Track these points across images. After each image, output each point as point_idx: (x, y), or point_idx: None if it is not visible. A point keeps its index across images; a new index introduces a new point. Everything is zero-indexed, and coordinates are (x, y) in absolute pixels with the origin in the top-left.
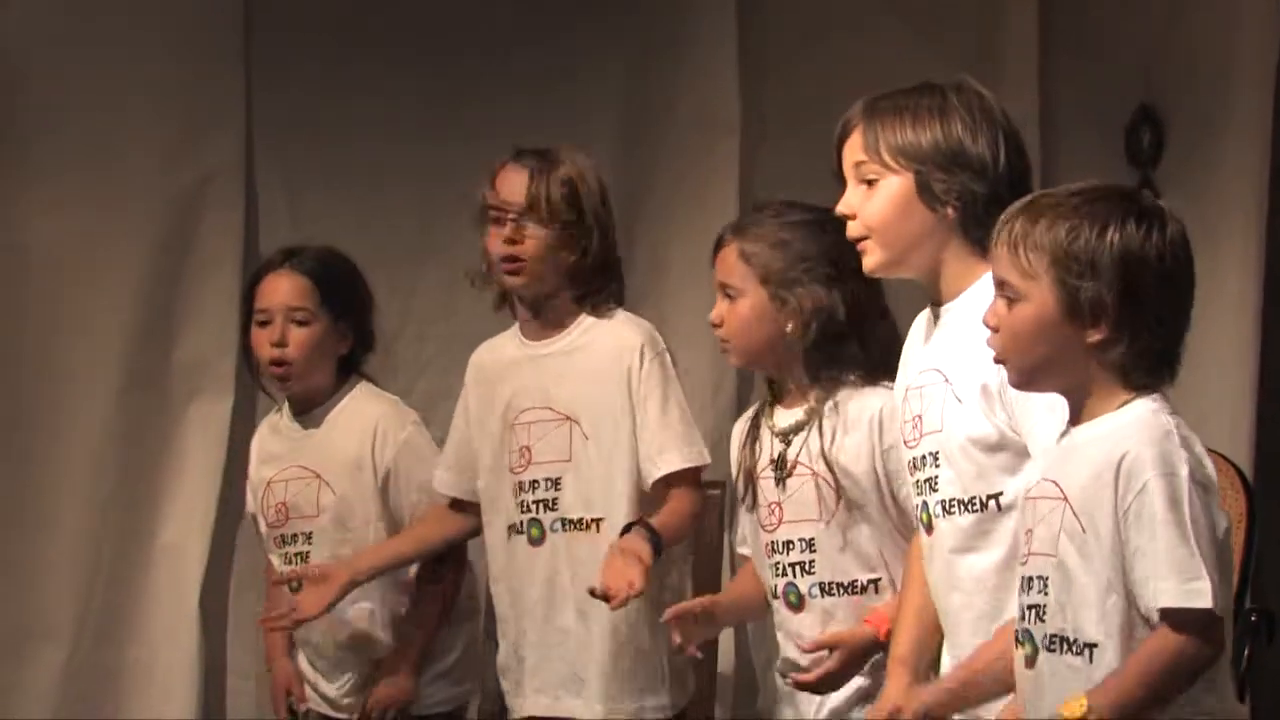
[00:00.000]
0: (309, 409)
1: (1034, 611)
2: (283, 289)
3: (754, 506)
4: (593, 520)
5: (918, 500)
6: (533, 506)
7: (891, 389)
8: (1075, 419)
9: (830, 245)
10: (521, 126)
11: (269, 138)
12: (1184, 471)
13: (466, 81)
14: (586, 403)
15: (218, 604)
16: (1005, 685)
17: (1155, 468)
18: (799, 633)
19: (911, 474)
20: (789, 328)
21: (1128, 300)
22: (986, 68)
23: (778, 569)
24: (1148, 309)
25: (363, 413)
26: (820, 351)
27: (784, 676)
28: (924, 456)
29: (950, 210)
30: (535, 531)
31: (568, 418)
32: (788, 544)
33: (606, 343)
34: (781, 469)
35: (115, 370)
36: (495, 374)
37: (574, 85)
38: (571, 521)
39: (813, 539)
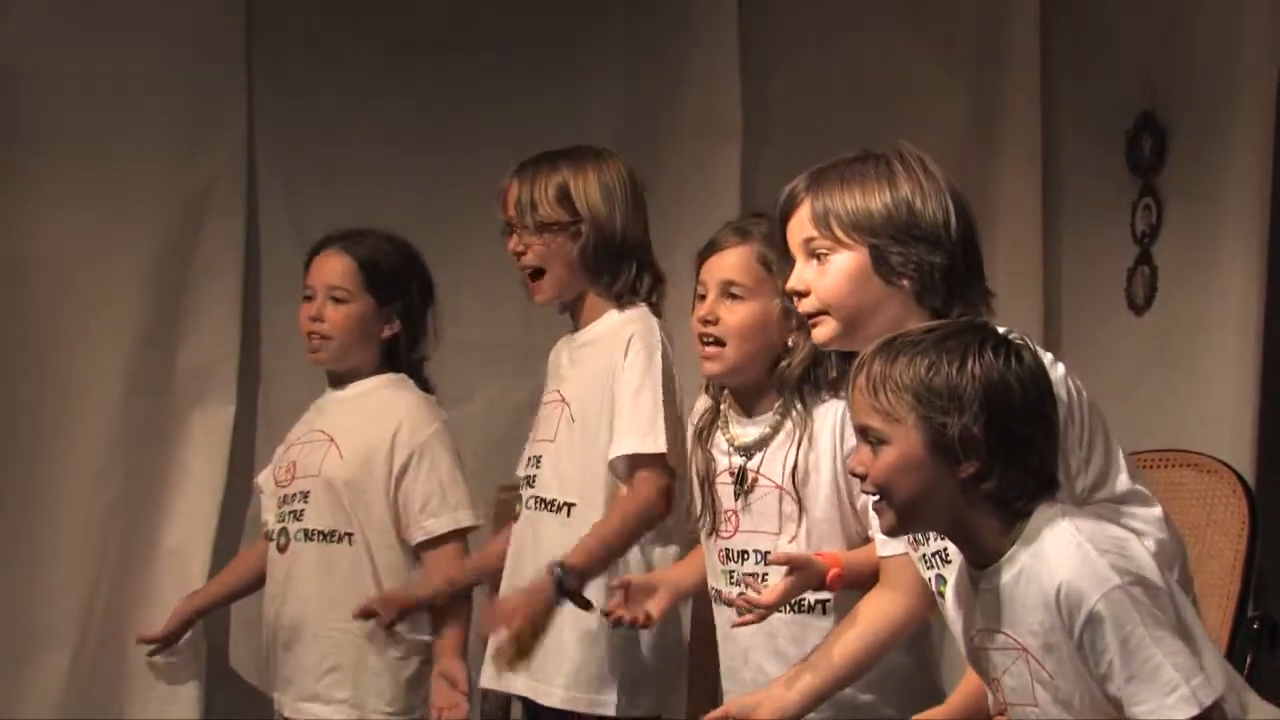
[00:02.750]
0: (345, 384)
1: None
2: (326, 267)
3: (710, 510)
4: (564, 504)
5: (929, 575)
6: (523, 483)
7: None
8: (972, 559)
9: None
10: (523, 130)
11: (270, 143)
12: (1116, 580)
13: (468, 86)
14: (579, 387)
15: (221, 610)
16: None
17: (1092, 592)
18: (747, 645)
19: (915, 549)
20: (792, 340)
21: (994, 431)
22: (988, 74)
23: (731, 577)
24: (1015, 438)
25: (395, 399)
26: (804, 369)
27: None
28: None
29: (906, 282)
30: (518, 507)
31: (563, 400)
32: (743, 553)
33: (610, 334)
34: (743, 482)
35: (118, 376)
36: (551, 362)
37: (575, 89)
38: (544, 501)
39: (768, 552)
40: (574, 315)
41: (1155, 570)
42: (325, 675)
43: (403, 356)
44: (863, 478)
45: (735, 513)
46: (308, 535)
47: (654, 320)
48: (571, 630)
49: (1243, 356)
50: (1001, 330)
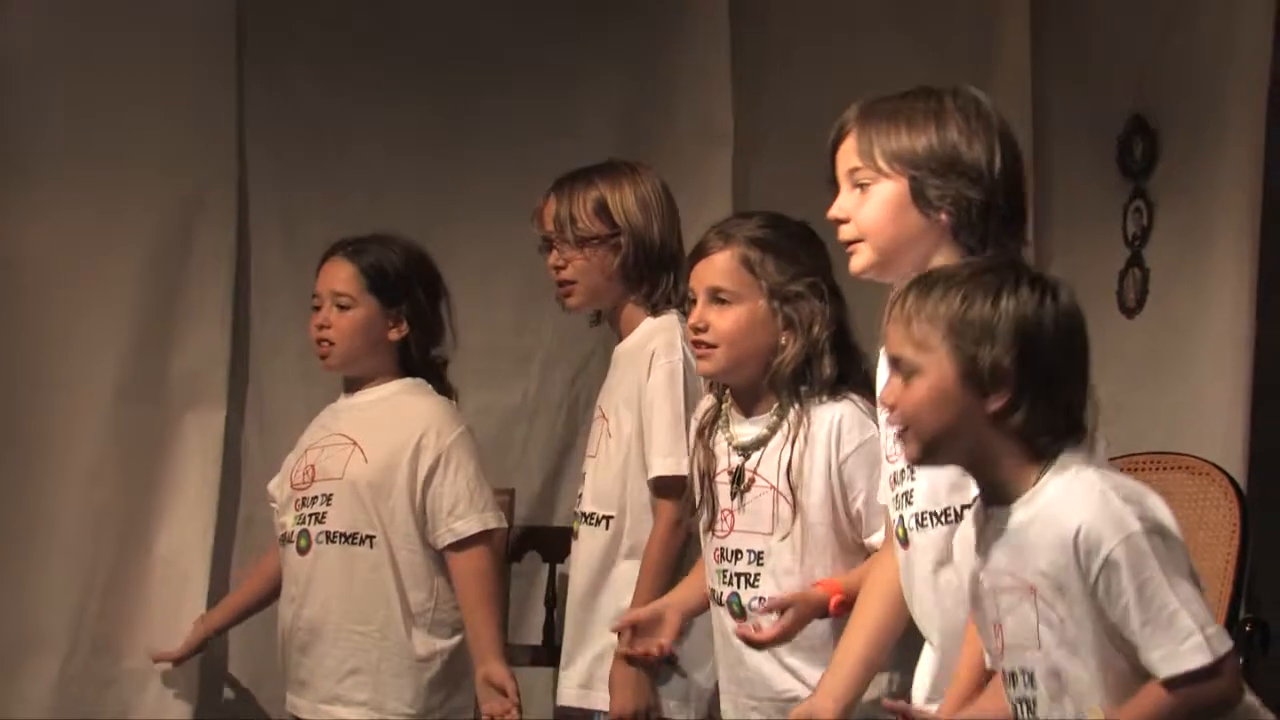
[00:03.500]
0: (360, 388)
1: (1024, 705)
2: (331, 275)
3: (709, 509)
4: (603, 517)
5: (895, 515)
6: (576, 500)
7: (855, 399)
8: (992, 498)
9: (822, 259)
10: (517, 136)
11: (262, 148)
12: (1137, 527)
13: (462, 92)
14: (614, 402)
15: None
16: None
17: (1111, 536)
18: (740, 646)
19: (892, 488)
20: (783, 339)
21: (1025, 365)
22: (980, 78)
23: (724, 576)
24: (1045, 374)
25: (416, 404)
26: (800, 367)
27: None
28: (903, 470)
29: (944, 216)
30: (575, 525)
31: (604, 416)
32: (736, 553)
33: (638, 347)
34: (739, 482)
35: (109, 382)
36: None
37: (569, 96)
38: (586, 515)
39: (761, 552)
40: (613, 325)
41: (1174, 524)
42: (347, 677)
43: (415, 358)
44: (891, 408)
45: (731, 512)
46: (330, 537)
47: (678, 330)
48: (594, 640)
49: (1234, 359)
50: (1039, 271)
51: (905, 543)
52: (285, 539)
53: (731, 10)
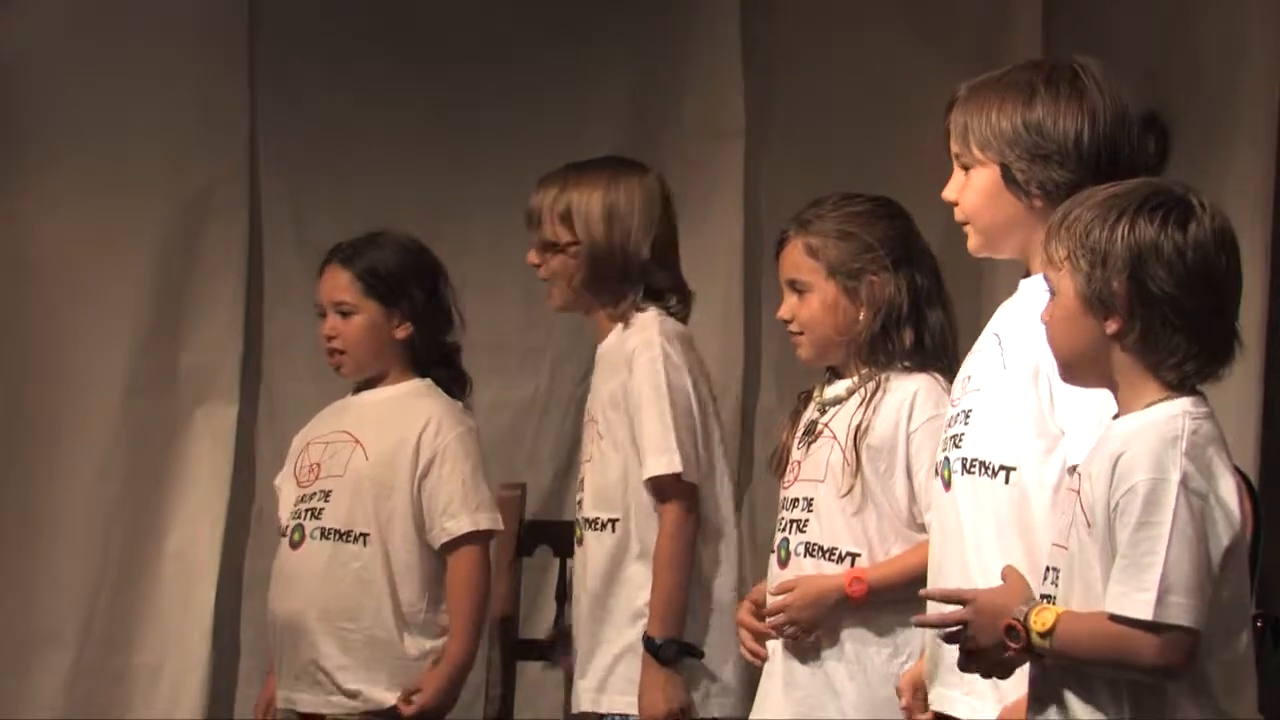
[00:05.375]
0: (371, 387)
1: (1046, 602)
2: (329, 283)
3: (779, 459)
4: (608, 520)
5: (941, 456)
6: (576, 507)
7: (938, 377)
8: (1118, 414)
9: (891, 231)
10: (526, 133)
11: (273, 144)
12: (1175, 476)
13: (471, 88)
14: (600, 405)
15: (228, 611)
16: None
17: (1146, 470)
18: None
19: (946, 429)
20: (861, 317)
21: (1138, 291)
22: None
23: (780, 524)
24: (1163, 303)
25: (420, 404)
26: (879, 336)
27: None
28: (959, 414)
29: (1036, 201)
30: (578, 532)
31: (593, 418)
32: (794, 501)
33: (615, 349)
34: (810, 433)
35: (121, 377)
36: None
37: (578, 91)
38: (589, 521)
39: (813, 499)
40: (592, 323)
41: (1232, 513)
42: (336, 671)
43: (423, 353)
44: (1047, 325)
45: (798, 463)
46: (324, 534)
47: (656, 326)
48: (607, 645)
49: (1247, 357)
50: (1188, 195)
51: (948, 484)
52: (281, 533)
53: (742, 6)
